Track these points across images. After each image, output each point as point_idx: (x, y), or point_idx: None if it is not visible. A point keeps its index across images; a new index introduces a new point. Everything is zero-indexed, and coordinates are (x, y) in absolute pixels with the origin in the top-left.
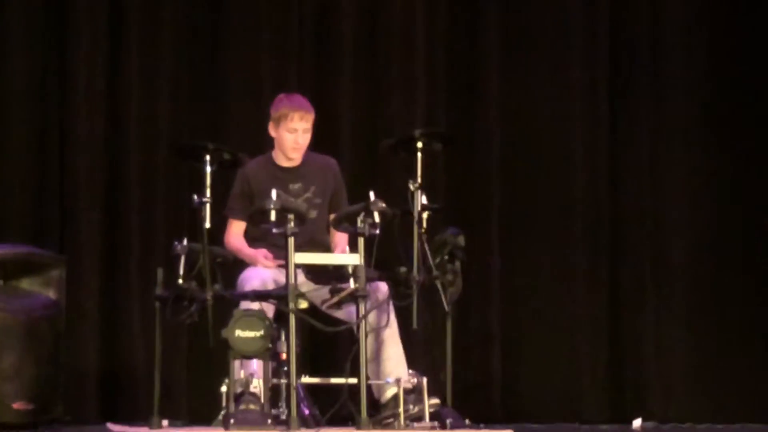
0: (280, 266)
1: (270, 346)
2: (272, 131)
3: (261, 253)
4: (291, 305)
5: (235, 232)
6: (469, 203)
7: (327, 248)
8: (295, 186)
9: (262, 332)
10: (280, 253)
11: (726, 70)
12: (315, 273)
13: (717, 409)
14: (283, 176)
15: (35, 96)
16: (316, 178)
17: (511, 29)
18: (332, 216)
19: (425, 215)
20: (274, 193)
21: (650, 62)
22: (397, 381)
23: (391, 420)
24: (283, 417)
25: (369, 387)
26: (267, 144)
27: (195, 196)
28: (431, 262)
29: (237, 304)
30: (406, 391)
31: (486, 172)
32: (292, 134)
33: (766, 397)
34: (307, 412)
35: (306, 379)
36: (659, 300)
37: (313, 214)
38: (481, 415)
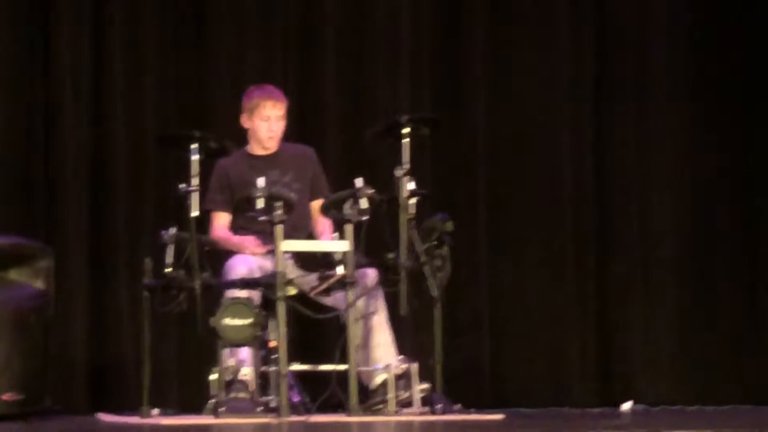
0: (269, 252)
1: (259, 333)
2: (246, 122)
3: (249, 240)
4: (279, 292)
5: (220, 224)
6: (457, 189)
7: (309, 234)
8: (273, 173)
9: (251, 320)
10: (268, 240)
11: (712, 56)
12: (303, 260)
13: (705, 392)
14: (260, 165)
15: (19, 87)
16: (292, 164)
17: (496, 16)
18: (314, 202)
19: (413, 201)
20: (261, 181)
21: (636, 48)
22: (387, 367)
23: (381, 406)
24: (273, 404)
25: (358, 373)
26: (245, 137)
27: (182, 185)
28: (419, 248)
29: (225, 292)
30: (396, 377)
31: (473, 157)
32: (266, 122)
33: (754, 379)
34: (296, 399)
35: (295, 367)
36: (647, 284)
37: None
38: (471, 400)
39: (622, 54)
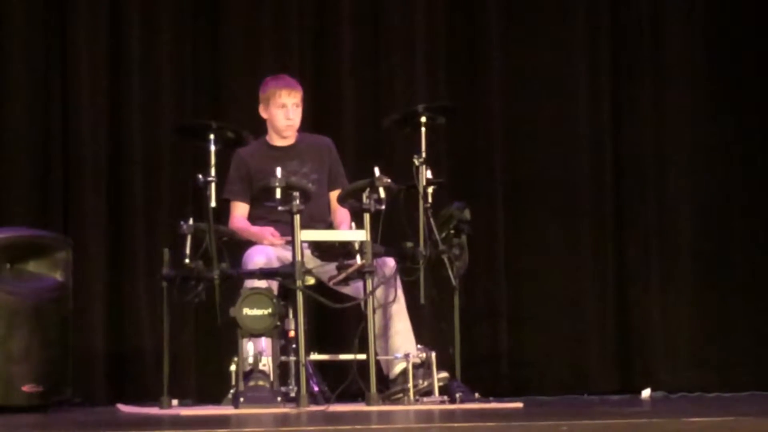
0: (288, 243)
1: (278, 323)
2: (263, 113)
3: (268, 231)
4: (298, 282)
5: (239, 214)
6: (474, 177)
7: (328, 224)
8: (292, 163)
9: (270, 310)
10: (286, 230)
11: (729, 34)
12: (321, 250)
13: (724, 379)
14: (279, 155)
15: (37, 79)
16: (311, 154)
17: (511, 3)
18: (332, 192)
19: (430, 190)
20: (278, 171)
21: (652, 36)
22: (406, 356)
23: (400, 395)
24: (293, 394)
25: (378, 363)
26: (263, 127)
27: (200, 176)
28: (437, 237)
29: (244, 283)
30: (415, 366)
31: (490, 145)
32: (283, 110)
33: None
34: (316, 388)
35: (315, 356)
36: (665, 271)
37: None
38: (490, 388)
39: (639, 34)
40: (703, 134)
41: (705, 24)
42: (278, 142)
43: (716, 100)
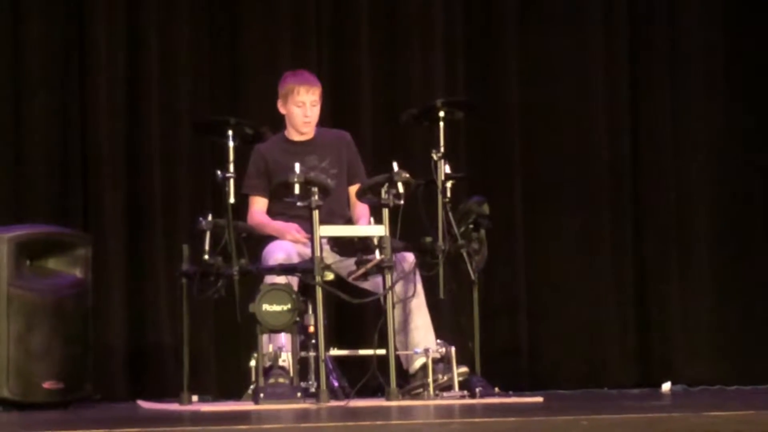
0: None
1: (297, 319)
2: (282, 108)
3: (293, 227)
4: (318, 278)
5: (258, 208)
6: (492, 171)
7: (347, 219)
8: (310, 158)
9: (289, 306)
10: (304, 226)
11: (746, 26)
12: (340, 245)
13: (744, 372)
14: (297, 150)
15: (55, 76)
16: (329, 149)
17: None
18: (351, 187)
19: (449, 184)
20: (297, 167)
21: (669, 23)
22: (426, 351)
23: (420, 390)
24: (313, 390)
25: (397, 357)
26: (282, 122)
27: (218, 172)
28: (456, 231)
29: (263, 278)
30: (435, 361)
31: (508, 139)
32: (301, 108)
33: None
34: (336, 384)
35: (334, 352)
36: (684, 264)
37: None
38: (510, 382)
39: (656, 27)
40: (721, 128)
41: (724, 11)
42: (296, 137)
43: (734, 93)
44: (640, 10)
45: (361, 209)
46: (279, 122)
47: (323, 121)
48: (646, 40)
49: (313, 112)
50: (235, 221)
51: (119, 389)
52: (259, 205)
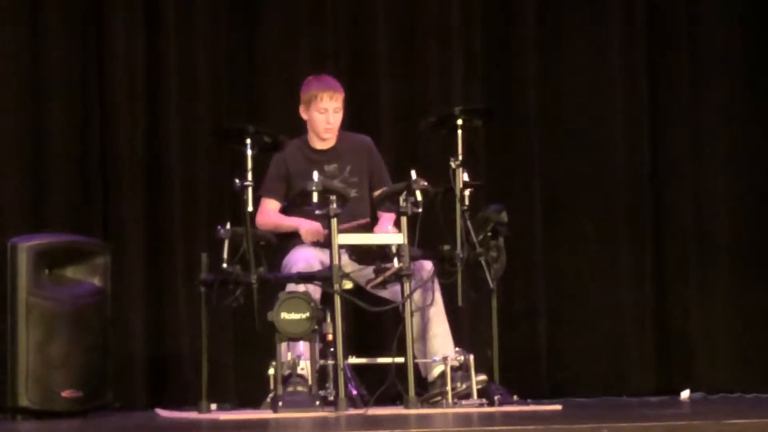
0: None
1: (316, 327)
2: (303, 114)
3: (316, 225)
4: (336, 286)
5: (269, 208)
6: (511, 179)
7: (369, 228)
8: (331, 167)
9: (307, 314)
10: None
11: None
12: (359, 253)
13: (764, 379)
14: (318, 158)
15: (74, 84)
16: (351, 157)
17: (547, 4)
18: (376, 193)
19: (467, 192)
20: (315, 175)
21: (689, 35)
22: (444, 359)
23: (438, 398)
24: (331, 398)
25: (416, 365)
26: (304, 126)
27: (237, 180)
28: (474, 239)
29: (282, 287)
30: (453, 369)
31: (527, 147)
32: (323, 114)
33: None
34: (354, 392)
35: (353, 360)
36: (703, 271)
37: (351, 193)
38: (529, 390)
39: (675, 35)
40: (740, 132)
41: (742, 22)
42: (318, 144)
43: (754, 99)
44: (659, 21)
45: (384, 217)
46: (299, 126)
47: (344, 128)
48: (665, 46)
49: (336, 119)
50: (254, 229)
51: (138, 398)
52: (270, 205)
